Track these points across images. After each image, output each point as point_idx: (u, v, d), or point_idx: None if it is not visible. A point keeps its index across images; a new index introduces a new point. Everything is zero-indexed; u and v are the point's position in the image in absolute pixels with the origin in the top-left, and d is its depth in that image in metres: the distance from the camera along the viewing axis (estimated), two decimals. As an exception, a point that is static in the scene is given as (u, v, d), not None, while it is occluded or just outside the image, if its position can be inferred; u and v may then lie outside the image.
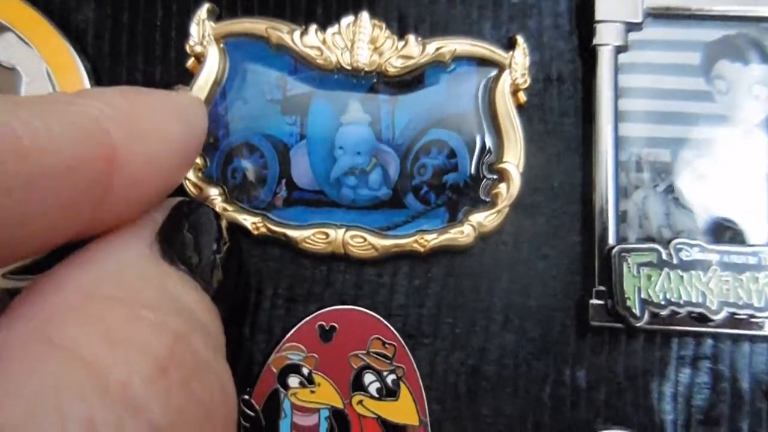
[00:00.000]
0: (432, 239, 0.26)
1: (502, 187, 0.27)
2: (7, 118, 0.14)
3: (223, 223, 0.21)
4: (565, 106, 0.29)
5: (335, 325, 0.26)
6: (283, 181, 0.27)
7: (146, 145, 0.17)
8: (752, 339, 0.26)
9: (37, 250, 0.16)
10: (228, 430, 0.17)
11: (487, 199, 0.27)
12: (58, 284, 0.16)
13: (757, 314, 0.25)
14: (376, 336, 0.26)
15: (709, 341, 0.26)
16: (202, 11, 0.28)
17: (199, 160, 0.27)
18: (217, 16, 0.28)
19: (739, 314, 0.25)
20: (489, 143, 0.27)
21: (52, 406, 0.13)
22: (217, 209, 0.27)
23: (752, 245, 0.26)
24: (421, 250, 0.26)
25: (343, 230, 0.27)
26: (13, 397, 0.13)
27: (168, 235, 0.19)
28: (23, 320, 0.15)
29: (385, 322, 0.26)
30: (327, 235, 0.26)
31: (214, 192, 0.27)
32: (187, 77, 0.28)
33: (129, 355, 0.14)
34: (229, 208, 0.27)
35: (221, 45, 0.28)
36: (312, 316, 0.26)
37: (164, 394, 0.14)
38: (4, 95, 0.17)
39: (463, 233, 0.26)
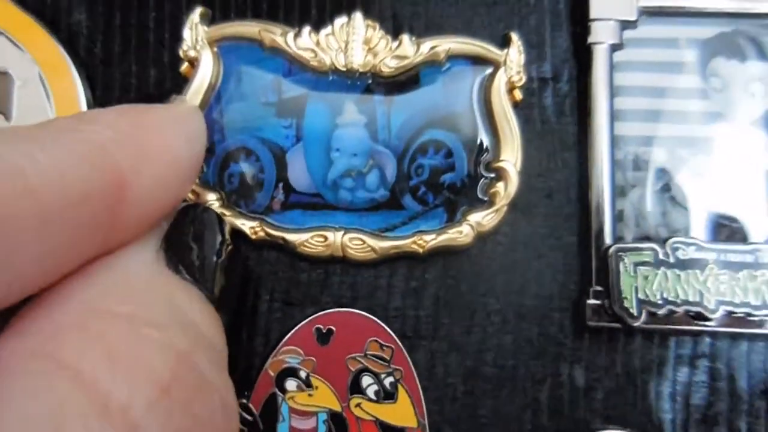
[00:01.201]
0: (431, 240, 0.26)
1: (500, 185, 0.27)
2: (11, 154, 0.14)
3: (226, 227, 0.21)
4: (560, 104, 0.28)
5: (332, 328, 0.26)
6: (280, 184, 0.27)
7: (153, 165, 0.17)
8: (750, 337, 0.26)
9: (50, 281, 0.15)
10: None
11: (485, 199, 0.27)
12: (62, 299, 0.15)
13: (755, 312, 0.25)
14: (374, 338, 0.26)
15: (707, 340, 0.26)
16: (195, 15, 0.28)
17: (194, 165, 0.27)
18: (210, 19, 0.28)
19: (737, 312, 0.25)
20: (486, 142, 0.27)
21: (52, 429, 0.12)
22: (214, 214, 0.26)
23: (749, 243, 0.26)
24: (420, 251, 0.26)
25: (342, 233, 0.26)
26: (14, 419, 0.12)
27: (173, 241, 0.19)
28: (26, 336, 0.14)
29: (383, 324, 0.26)
30: (325, 238, 0.26)
31: (211, 197, 0.27)
32: (181, 81, 0.28)
33: (131, 377, 0.14)
34: (227, 213, 0.27)
35: (215, 49, 0.28)
36: (309, 319, 0.26)
37: (165, 417, 0.14)
38: (4, 128, 0.16)
39: (461, 233, 0.26)
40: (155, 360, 0.15)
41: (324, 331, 0.26)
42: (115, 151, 0.16)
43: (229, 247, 0.20)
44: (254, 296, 0.27)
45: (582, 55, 0.28)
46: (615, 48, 0.28)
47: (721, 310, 0.25)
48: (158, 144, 0.18)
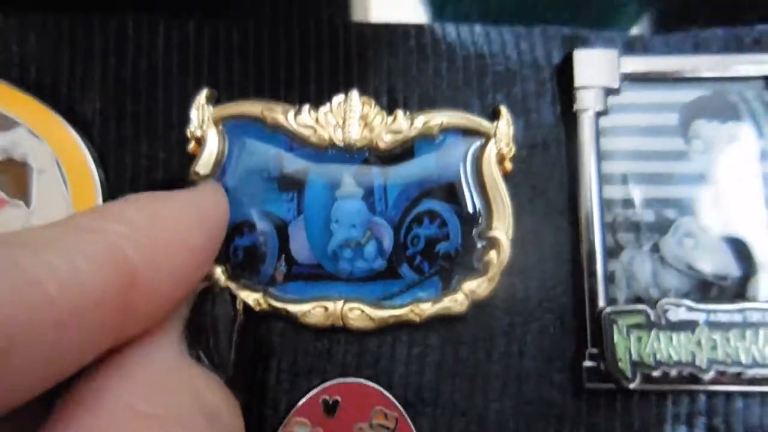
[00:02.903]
0: (427, 308, 0.27)
1: (493, 254, 0.28)
2: (31, 264, 0.15)
3: (239, 305, 0.22)
4: (550, 169, 0.30)
5: (338, 398, 0.27)
6: (283, 256, 0.28)
7: (168, 257, 0.18)
8: (744, 394, 0.27)
9: (65, 377, 0.16)
10: None
11: (479, 267, 0.28)
12: (97, 397, 0.16)
13: (746, 371, 0.25)
14: (379, 407, 0.26)
15: (703, 398, 0.27)
16: (201, 96, 0.29)
17: (201, 240, 0.28)
18: (215, 99, 0.30)
19: (728, 372, 0.25)
20: (478, 211, 0.28)
21: None
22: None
23: (737, 302, 0.26)
24: (417, 319, 0.27)
25: (342, 302, 0.27)
26: None
27: (193, 329, 0.19)
28: None
29: (387, 393, 0.27)
30: (326, 308, 0.27)
31: (216, 271, 0.28)
32: (188, 159, 0.29)
33: None
34: (232, 285, 0.28)
35: (220, 127, 0.29)
36: (316, 390, 0.27)
37: None
38: (21, 232, 0.17)
39: (456, 301, 0.27)
40: None
41: (330, 402, 0.27)
42: (127, 249, 0.17)
43: (240, 319, 0.21)
44: (263, 368, 0.28)
45: (569, 121, 0.30)
46: (600, 114, 0.29)
47: (714, 370, 0.25)
48: (173, 236, 0.19)
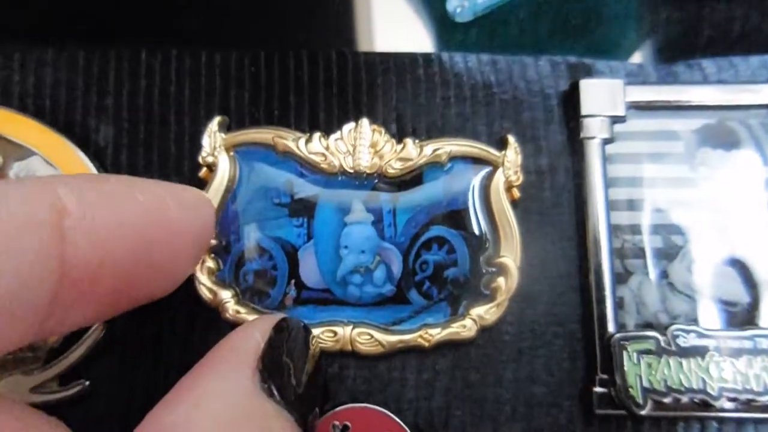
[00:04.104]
0: (436, 334, 0.27)
1: (501, 280, 0.28)
2: None
3: (312, 340, 0.22)
4: (558, 196, 0.30)
5: (348, 423, 0.26)
6: (293, 281, 0.29)
7: (105, 201, 0.18)
8: (756, 421, 0.27)
9: (21, 327, 0.16)
10: None
11: (487, 293, 0.28)
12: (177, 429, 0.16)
13: (757, 398, 0.25)
14: (388, 432, 0.26)
15: (714, 425, 0.27)
16: (213, 123, 0.30)
17: (212, 264, 0.29)
18: (227, 127, 0.30)
19: (740, 399, 0.25)
20: (486, 238, 0.29)
21: None
22: (230, 312, 0.28)
23: (747, 329, 0.26)
24: (426, 345, 0.27)
25: (351, 327, 0.28)
26: None
27: (269, 361, 0.19)
28: None
29: (396, 419, 0.27)
30: (335, 333, 0.28)
31: (226, 295, 0.28)
32: (200, 185, 0.29)
33: None
34: (242, 310, 0.28)
35: (231, 153, 0.30)
36: (326, 416, 0.27)
37: None
38: None
39: (465, 327, 0.27)
40: None
41: (340, 427, 0.27)
42: (57, 186, 0.17)
43: (315, 354, 0.21)
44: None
45: (576, 149, 0.30)
46: (607, 141, 0.30)
47: (724, 397, 0.25)
48: (115, 187, 0.19)
